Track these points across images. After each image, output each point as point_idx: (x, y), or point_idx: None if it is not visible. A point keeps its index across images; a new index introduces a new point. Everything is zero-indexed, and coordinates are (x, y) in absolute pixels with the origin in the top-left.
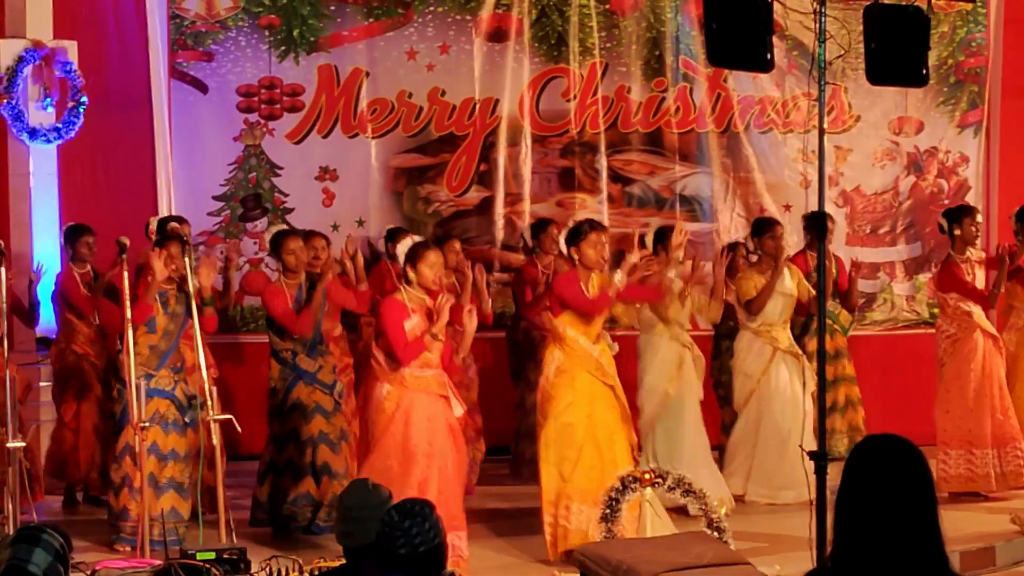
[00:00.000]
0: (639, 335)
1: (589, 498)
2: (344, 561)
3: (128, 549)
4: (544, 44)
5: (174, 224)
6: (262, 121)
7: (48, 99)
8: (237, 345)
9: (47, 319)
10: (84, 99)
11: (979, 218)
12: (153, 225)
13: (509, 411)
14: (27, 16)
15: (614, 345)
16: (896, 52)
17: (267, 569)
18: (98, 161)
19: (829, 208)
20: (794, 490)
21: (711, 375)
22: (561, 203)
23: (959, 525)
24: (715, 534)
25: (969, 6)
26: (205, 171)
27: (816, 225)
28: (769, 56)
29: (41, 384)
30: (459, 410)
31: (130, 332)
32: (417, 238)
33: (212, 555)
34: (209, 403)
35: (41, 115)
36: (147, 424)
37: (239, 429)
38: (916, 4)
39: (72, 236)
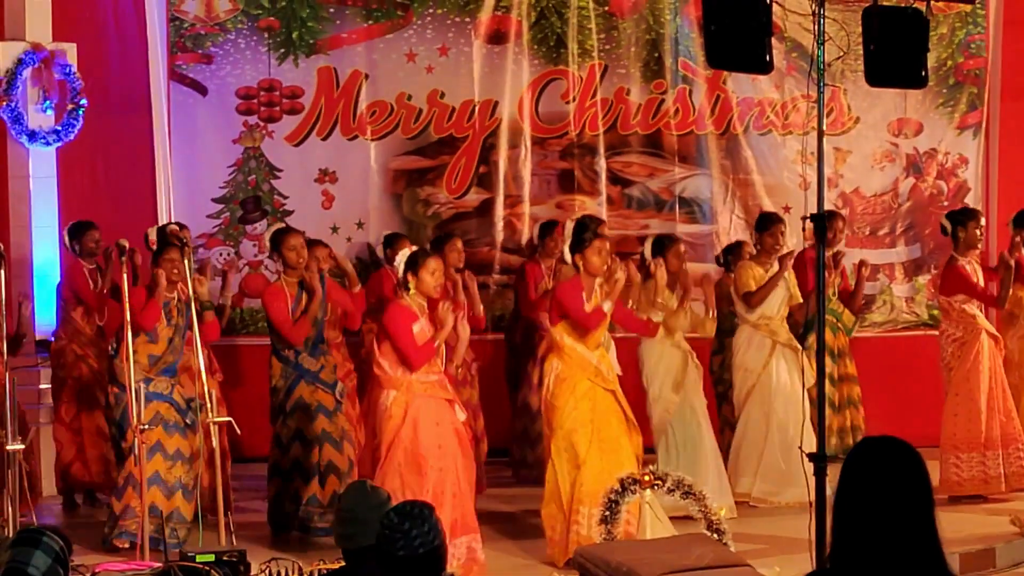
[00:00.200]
0: (641, 342)
1: (598, 502)
2: (344, 563)
3: (127, 545)
4: (543, 46)
5: (173, 227)
6: (261, 123)
7: (47, 101)
8: (237, 348)
9: (47, 320)
10: (83, 101)
11: (983, 221)
12: (152, 235)
13: (508, 413)
14: (26, 18)
15: (609, 341)
16: (895, 54)
17: (267, 571)
18: (97, 163)
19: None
20: (799, 488)
21: (712, 371)
22: (561, 205)
23: (959, 527)
24: (715, 536)
25: (968, 8)
26: (204, 173)
27: (817, 226)
28: (768, 58)
29: (41, 387)
30: (462, 415)
31: (129, 335)
32: (414, 247)
33: (212, 557)
34: (209, 406)
35: (40, 117)
36: (147, 427)
37: (239, 431)
38: (915, 6)
39: (78, 232)
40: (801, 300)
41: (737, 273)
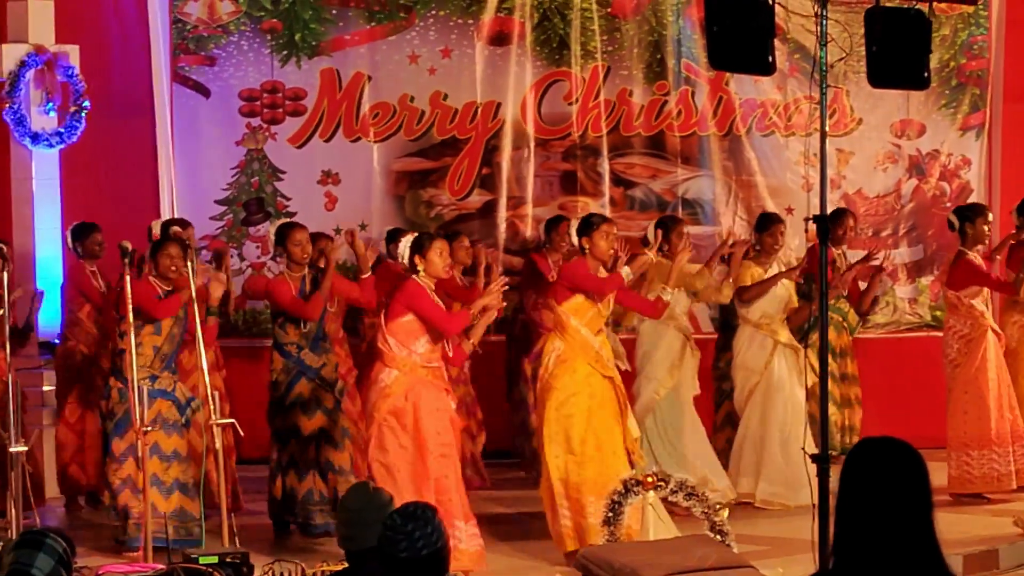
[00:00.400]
0: (642, 322)
1: (602, 491)
2: (346, 565)
3: (138, 555)
4: (546, 48)
5: (176, 228)
6: (264, 125)
7: (50, 104)
8: (239, 349)
9: (50, 321)
10: (86, 104)
11: (991, 217)
12: (156, 229)
13: (508, 413)
14: (29, 20)
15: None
16: (898, 55)
17: (270, 573)
18: (100, 165)
19: (831, 211)
20: (806, 490)
21: (718, 367)
22: (563, 206)
23: (963, 528)
24: (718, 537)
25: (971, 9)
26: (207, 175)
27: (820, 227)
28: (771, 59)
29: (44, 388)
30: (453, 403)
31: (132, 337)
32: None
33: (215, 559)
34: (211, 406)
35: (43, 120)
36: (149, 428)
37: (241, 433)
38: (917, 7)
39: (81, 234)
40: (797, 305)
41: (738, 273)
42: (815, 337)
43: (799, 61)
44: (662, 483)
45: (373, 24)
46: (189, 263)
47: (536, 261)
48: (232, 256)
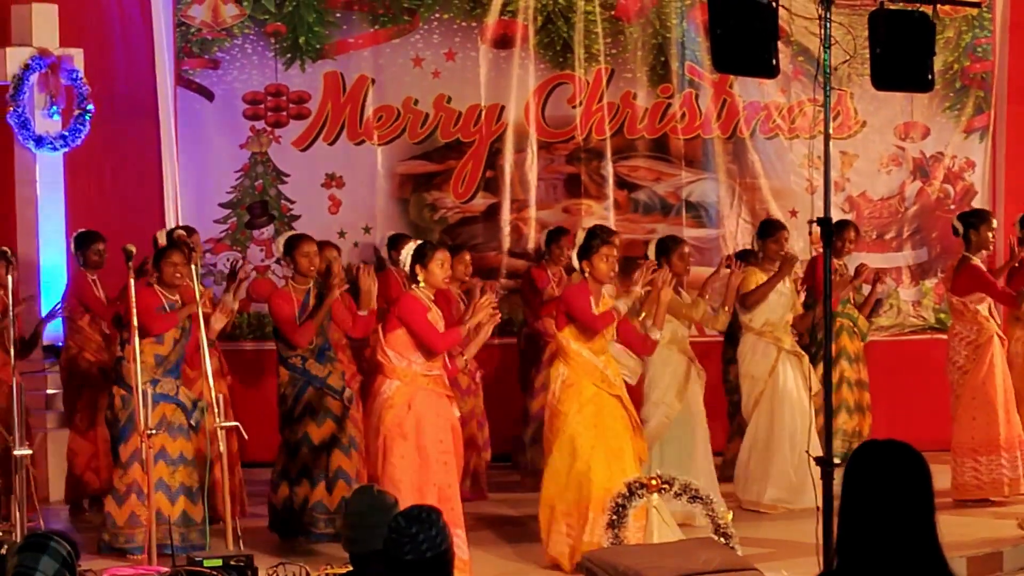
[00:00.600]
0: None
1: (605, 508)
2: (351, 568)
3: (143, 558)
4: (550, 51)
5: (180, 232)
6: (268, 128)
7: (54, 107)
8: (243, 352)
9: (54, 326)
10: (90, 107)
11: (995, 223)
12: (162, 239)
13: (516, 418)
14: (33, 24)
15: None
16: (901, 57)
17: None
18: (104, 169)
19: (835, 214)
20: (811, 494)
21: (724, 380)
22: (567, 209)
23: (966, 530)
24: (722, 540)
25: (975, 11)
26: (211, 178)
27: (824, 230)
28: (774, 62)
29: (48, 392)
30: (457, 411)
31: (136, 339)
32: (419, 241)
33: (219, 562)
34: (216, 410)
35: (47, 123)
36: (154, 431)
37: (245, 436)
38: (921, 9)
39: (82, 243)
40: (801, 311)
41: (743, 281)
42: (833, 347)
43: (803, 64)
44: (666, 486)
45: (377, 27)
46: (193, 266)
47: (533, 276)
48: (238, 263)
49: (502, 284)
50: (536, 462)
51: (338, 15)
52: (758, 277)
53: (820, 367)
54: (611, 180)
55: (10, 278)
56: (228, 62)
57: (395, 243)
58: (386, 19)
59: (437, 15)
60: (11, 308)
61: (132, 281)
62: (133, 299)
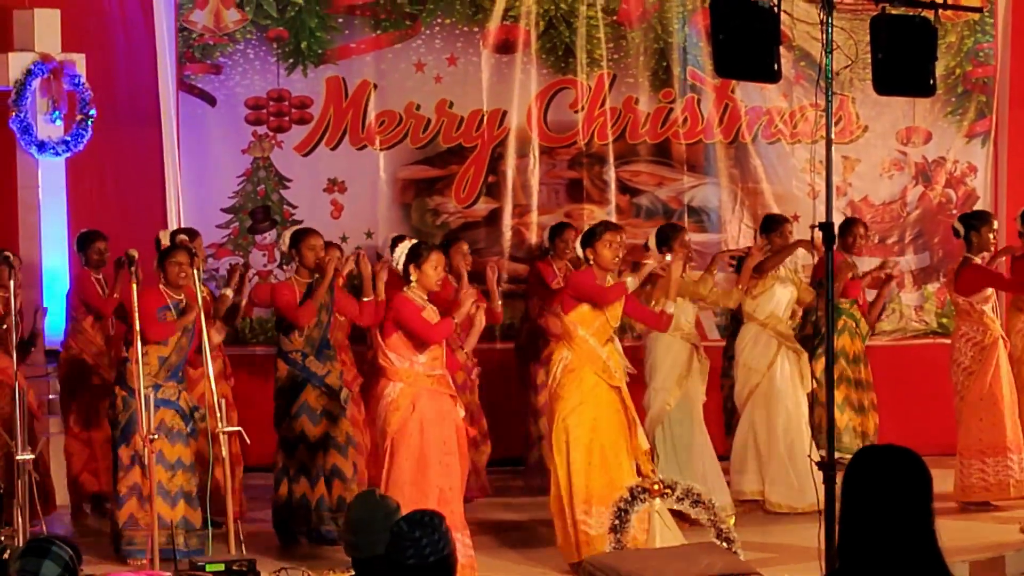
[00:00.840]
0: (649, 332)
1: (608, 501)
2: (353, 572)
3: (145, 562)
4: (552, 55)
5: (183, 236)
6: (270, 133)
7: (56, 112)
8: (245, 356)
9: (57, 329)
10: (92, 112)
11: (996, 225)
12: (165, 239)
13: (517, 421)
14: (35, 29)
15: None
16: (903, 62)
17: None
18: (107, 174)
19: (837, 219)
20: (812, 494)
21: (728, 375)
22: (569, 214)
23: (969, 535)
24: (724, 544)
25: (976, 16)
26: (214, 183)
27: (828, 235)
28: (776, 67)
29: (51, 396)
30: (462, 411)
31: (139, 344)
32: (415, 241)
33: (221, 566)
34: (218, 414)
35: (49, 128)
36: (156, 436)
37: (247, 441)
38: (923, 14)
39: (84, 242)
40: (812, 293)
41: (747, 266)
42: (836, 344)
43: (805, 68)
44: (668, 490)
45: (379, 32)
46: (195, 271)
47: (540, 269)
48: (247, 265)
49: (503, 288)
50: (546, 462)
51: (340, 20)
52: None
53: (819, 362)
54: (613, 185)
55: (12, 282)
56: (230, 67)
57: (398, 244)
58: (388, 24)
59: (439, 20)
60: (13, 312)
61: (134, 286)
62: (135, 304)
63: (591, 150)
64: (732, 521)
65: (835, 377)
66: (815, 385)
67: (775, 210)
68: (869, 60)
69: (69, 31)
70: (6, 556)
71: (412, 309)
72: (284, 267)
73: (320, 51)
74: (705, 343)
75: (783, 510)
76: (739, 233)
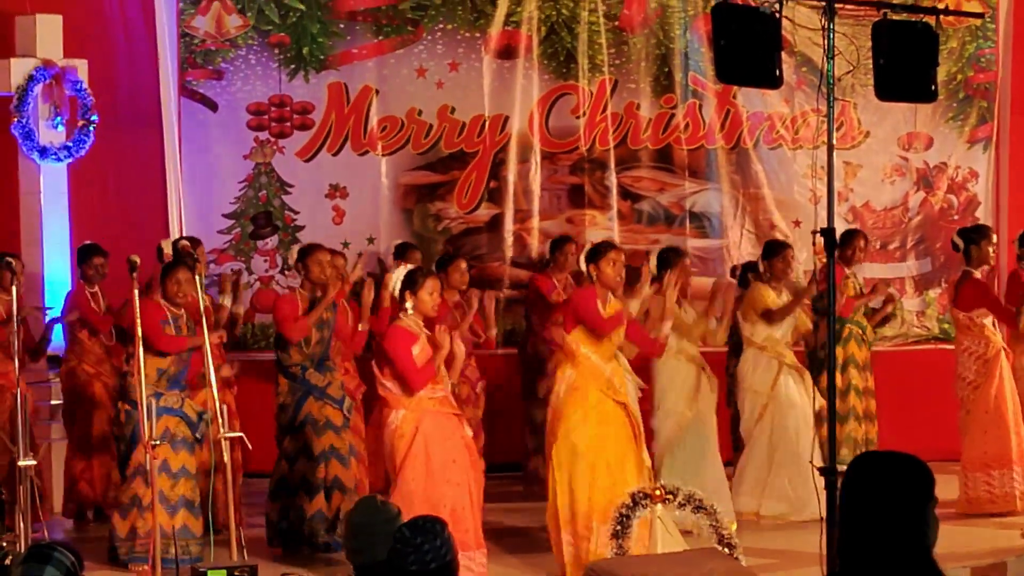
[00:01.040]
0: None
1: (607, 519)
2: None
3: (147, 568)
4: (553, 61)
5: (185, 243)
6: (272, 139)
7: (58, 118)
8: (249, 362)
9: (57, 334)
10: (94, 118)
11: (995, 239)
12: (167, 248)
13: (519, 429)
14: (37, 35)
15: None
16: (905, 68)
17: None
18: (109, 179)
19: (839, 224)
20: (812, 504)
21: (728, 391)
22: (571, 220)
23: (971, 540)
24: (726, 550)
25: (978, 22)
26: (215, 189)
27: (828, 240)
28: (778, 72)
29: (52, 403)
30: (469, 430)
31: (140, 351)
32: (415, 266)
33: (223, 573)
34: (219, 420)
35: (51, 134)
36: (157, 442)
37: (250, 446)
38: (925, 20)
39: (81, 256)
40: (810, 326)
41: (753, 293)
42: (842, 354)
43: (806, 74)
44: (670, 496)
45: (381, 38)
46: (198, 277)
47: (539, 284)
48: (240, 270)
49: (505, 294)
50: (541, 472)
51: (342, 26)
52: (769, 294)
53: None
54: (615, 191)
55: (14, 287)
56: (232, 73)
57: (402, 252)
58: (390, 30)
59: (441, 26)
60: (15, 317)
61: (136, 294)
62: (138, 312)
63: (593, 155)
64: (734, 527)
65: (844, 387)
66: (822, 400)
67: (777, 216)
68: (871, 66)
69: (71, 37)
70: (8, 562)
71: (404, 346)
72: (285, 273)
73: (322, 57)
74: (708, 350)
75: (778, 521)
76: (740, 239)
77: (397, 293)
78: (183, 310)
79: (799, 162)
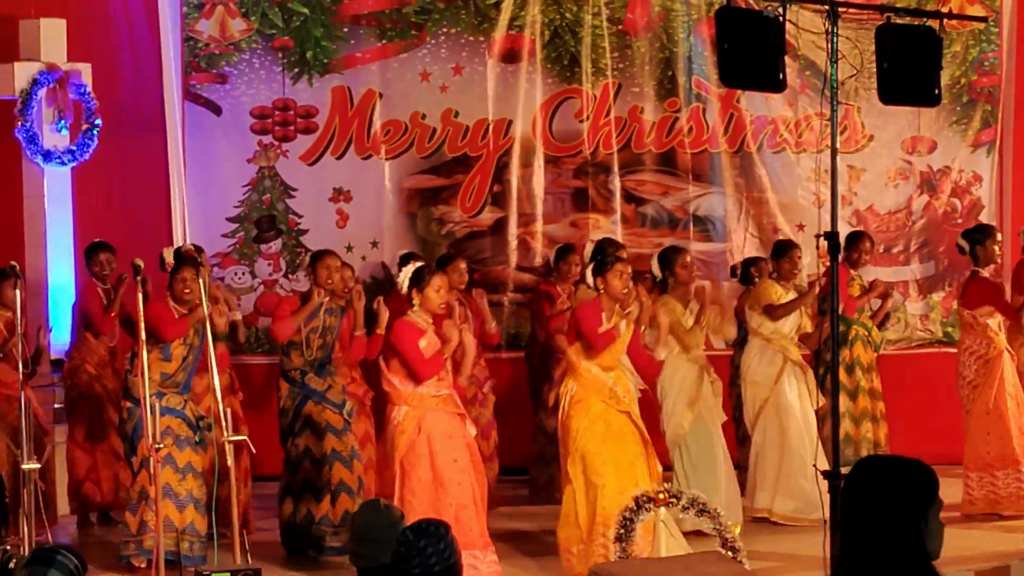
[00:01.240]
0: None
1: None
2: None
3: (144, 564)
4: (557, 65)
5: (189, 248)
6: (276, 143)
7: (62, 121)
8: (253, 367)
9: (60, 338)
10: (98, 121)
11: (999, 237)
12: (169, 257)
13: (527, 432)
14: (41, 39)
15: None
16: (908, 72)
17: None
18: (112, 183)
19: (842, 228)
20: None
21: (732, 384)
22: (575, 223)
23: (974, 544)
24: (730, 554)
25: (982, 25)
26: (219, 193)
27: (833, 244)
28: (781, 76)
29: (56, 406)
30: (472, 430)
31: (144, 352)
32: (420, 264)
33: (227, 575)
34: (224, 424)
35: (55, 137)
36: (161, 445)
37: (253, 450)
38: (928, 24)
39: (88, 253)
40: (810, 330)
41: (759, 288)
42: (842, 353)
43: (810, 78)
44: (674, 499)
45: (384, 42)
46: (201, 280)
47: (541, 291)
48: (243, 274)
49: (509, 298)
50: (546, 479)
51: (346, 30)
52: (776, 288)
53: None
54: (618, 194)
55: (18, 293)
56: (236, 76)
57: (406, 262)
58: (393, 33)
59: (444, 29)
60: (19, 324)
61: (140, 296)
62: (141, 314)
63: (596, 159)
64: (738, 530)
65: (854, 388)
66: (823, 399)
67: (780, 219)
68: (874, 69)
69: (75, 41)
70: (12, 565)
71: (410, 338)
72: (289, 276)
73: (325, 60)
74: (710, 352)
75: (790, 522)
76: (744, 243)
77: (404, 290)
78: (188, 309)
79: (803, 166)
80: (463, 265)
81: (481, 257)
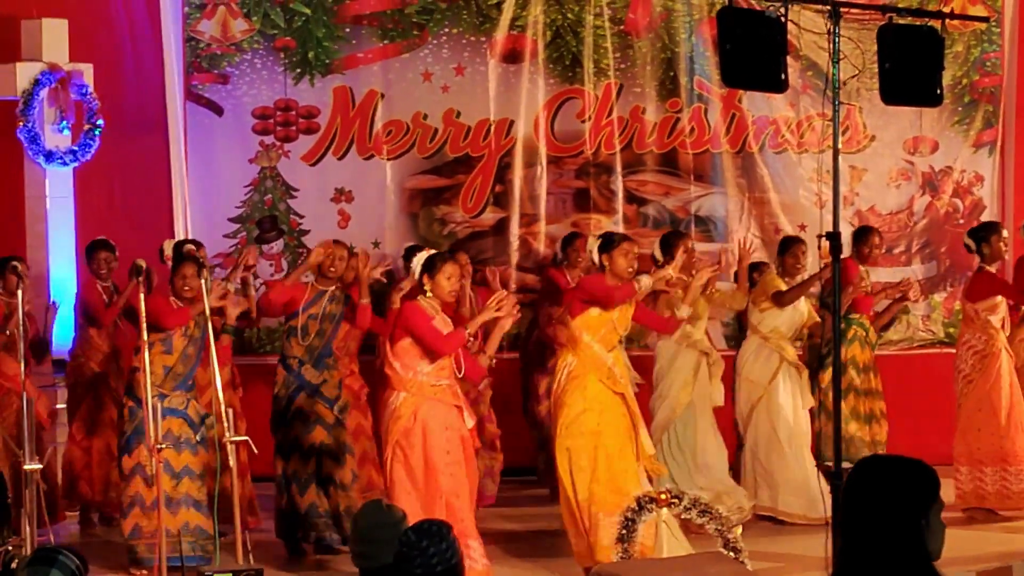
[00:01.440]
0: (659, 338)
1: (614, 510)
2: None
3: (145, 574)
4: (559, 65)
5: (190, 247)
6: (277, 143)
7: (64, 122)
8: (253, 366)
9: (62, 338)
10: (100, 122)
11: (1005, 233)
12: (168, 250)
13: (526, 432)
14: (43, 39)
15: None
16: (910, 72)
17: None
18: (114, 184)
19: (844, 228)
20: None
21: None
22: (576, 224)
23: (976, 544)
24: (731, 554)
25: (983, 26)
26: (221, 193)
27: (834, 244)
28: (783, 76)
29: (58, 406)
30: (470, 421)
31: (146, 353)
32: (432, 251)
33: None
34: (225, 424)
35: (57, 138)
36: (163, 446)
37: (255, 451)
38: (930, 24)
39: (89, 252)
40: (818, 319)
41: (764, 280)
42: (844, 355)
43: (812, 78)
44: (675, 500)
45: (386, 42)
46: (203, 281)
47: (554, 276)
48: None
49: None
50: (545, 463)
51: (347, 30)
52: (779, 282)
53: (827, 372)
54: (620, 194)
55: (20, 291)
56: (237, 77)
57: (410, 256)
58: (395, 34)
59: (446, 30)
60: (21, 320)
61: (142, 296)
62: (143, 313)
63: (598, 160)
64: (739, 531)
65: (844, 387)
66: (819, 396)
67: (782, 220)
68: (876, 70)
69: (77, 41)
70: (14, 565)
71: (423, 317)
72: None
73: (327, 61)
74: (728, 309)
75: (797, 520)
76: (745, 243)
77: (416, 276)
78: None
79: (804, 166)
80: (465, 259)
81: (483, 257)
